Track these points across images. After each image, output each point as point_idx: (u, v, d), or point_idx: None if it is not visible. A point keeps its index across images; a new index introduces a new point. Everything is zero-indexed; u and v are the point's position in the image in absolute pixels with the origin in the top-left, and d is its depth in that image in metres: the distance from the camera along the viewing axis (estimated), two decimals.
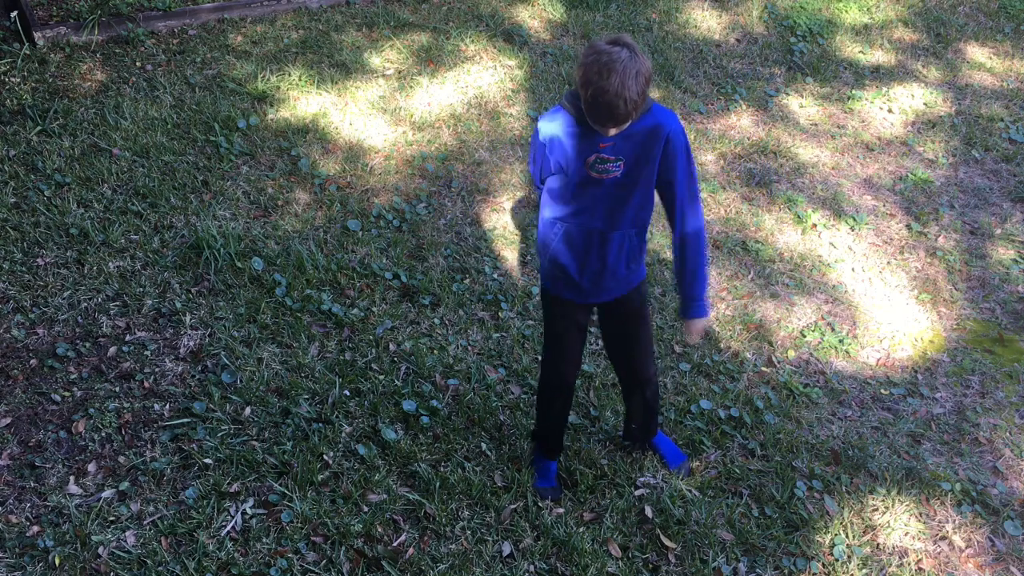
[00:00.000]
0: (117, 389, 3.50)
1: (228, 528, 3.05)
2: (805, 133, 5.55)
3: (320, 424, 3.43)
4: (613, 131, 2.54)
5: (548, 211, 2.81)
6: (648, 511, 3.26)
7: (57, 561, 2.90)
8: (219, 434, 3.35)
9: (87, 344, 3.66)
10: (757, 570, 3.12)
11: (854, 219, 4.89)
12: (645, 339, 3.07)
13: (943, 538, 3.32)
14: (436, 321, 3.98)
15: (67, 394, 3.46)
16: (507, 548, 3.08)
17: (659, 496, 3.31)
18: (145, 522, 3.05)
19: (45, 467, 3.20)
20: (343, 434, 3.41)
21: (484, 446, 3.43)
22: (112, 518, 3.05)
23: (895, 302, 4.43)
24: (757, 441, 3.60)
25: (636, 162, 2.63)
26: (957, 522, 3.37)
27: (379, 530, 3.09)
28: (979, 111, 5.90)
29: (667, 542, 3.16)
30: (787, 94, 5.86)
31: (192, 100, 5.04)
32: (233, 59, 5.43)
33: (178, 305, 3.86)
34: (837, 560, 3.18)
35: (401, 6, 6.16)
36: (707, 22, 6.44)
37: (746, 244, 4.64)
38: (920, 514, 3.38)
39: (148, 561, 2.92)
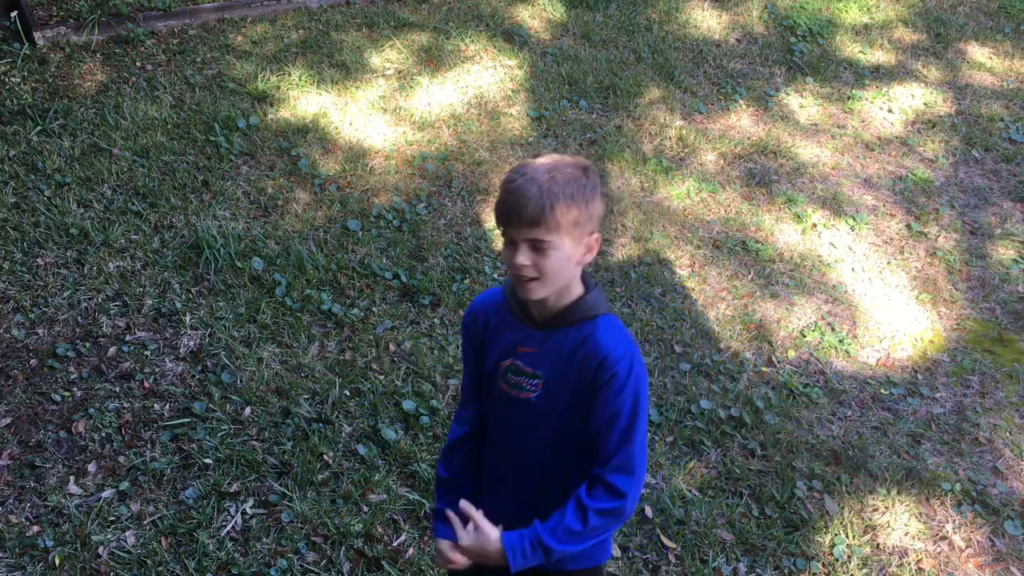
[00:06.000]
0: (117, 389, 3.50)
1: (228, 528, 3.05)
2: (805, 133, 5.55)
3: (320, 424, 3.43)
4: (531, 245, 1.74)
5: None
6: (648, 511, 3.26)
7: (57, 561, 2.90)
8: (219, 434, 3.35)
9: (87, 344, 3.66)
10: (757, 570, 3.12)
11: (854, 219, 4.89)
12: None
13: (943, 538, 3.32)
14: (436, 321, 3.98)
15: (67, 394, 3.45)
16: None
17: (659, 496, 3.31)
18: (145, 522, 3.05)
19: (45, 467, 3.20)
20: (343, 434, 3.41)
21: None
22: (112, 518, 3.05)
23: (895, 302, 4.43)
24: (757, 441, 3.60)
25: (559, 386, 1.85)
26: (957, 522, 3.37)
27: (379, 530, 3.09)
28: (979, 111, 5.90)
29: (667, 542, 3.16)
30: (787, 94, 5.86)
31: (192, 100, 5.04)
32: (233, 59, 5.43)
33: (178, 305, 3.86)
34: (837, 560, 3.18)
35: (401, 6, 6.16)
36: (707, 22, 6.44)
37: (746, 244, 4.64)
38: (920, 514, 3.38)
39: (148, 561, 2.92)
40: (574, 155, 1.79)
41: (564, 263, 1.77)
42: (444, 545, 1.94)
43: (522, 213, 1.71)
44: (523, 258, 1.74)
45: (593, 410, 1.81)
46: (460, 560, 1.91)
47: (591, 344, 1.80)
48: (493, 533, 1.85)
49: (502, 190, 1.76)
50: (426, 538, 3.09)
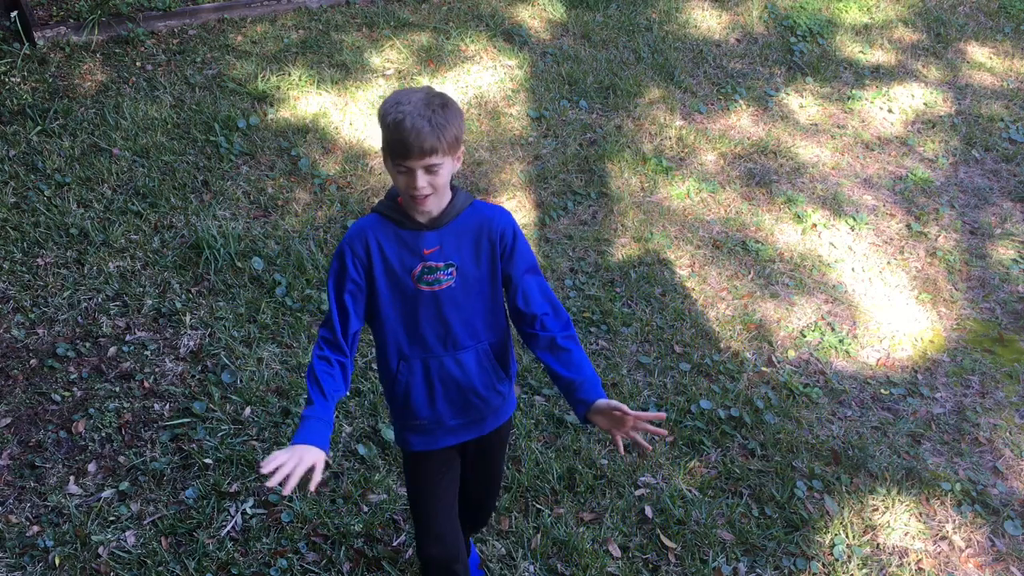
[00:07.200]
0: (117, 389, 3.50)
1: (228, 528, 3.05)
2: (805, 133, 5.55)
3: None
4: (426, 170, 2.04)
5: (382, 348, 2.32)
6: (648, 511, 3.26)
7: (57, 561, 2.90)
8: (219, 434, 3.35)
9: (87, 344, 3.66)
10: (757, 570, 3.12)
11: (854, 219, 4.89)
12: (497, 476, 2.63)
13: (943, 538, 3.32)
14: None
15: (67, 394, 3.45)
16: (507, 548, 3.08)
17: (659, 496, 3.31)
18: (145, 522, 3.05)
19: (45, 467, 3.20)
20: (343, 434, 3.41)
21: None
22: (112, 518, 3.05)
23: (895, 302, 4.43)
24: (757, 441, 3.60)
25: (469, 264, 2.21)
26: (957, 522, 3.37)
27: (379, 530, 3.09)
28: (979, 111, 5.90)
29: (667, 542, 3.16)
30: (787, 94, 5.86)
31: (192, 100, 5.04)
32: (233, 59, 5.43)
33: (178, 305, 3.86)
34: (837, 560, 3.18)
35: (401, 6, 6.16)
36: (707, 22, 6.44)
37: (746, 244, 4.64)
38: (920, 514, 3.38)
39: (148, 561, 2.92)
40: (432, 87, 2.14)
41: (448, 176, 2.12)
42: (310, 455, 2.02)
43: (423, 146, 2.01)
44: (423, 182, 2.07)
45: (511, 267, 2.23)
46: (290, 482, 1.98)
47: (487, 221, 2.21)
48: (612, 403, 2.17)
49: (393, 129, 2.03)
50: None
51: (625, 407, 2.10)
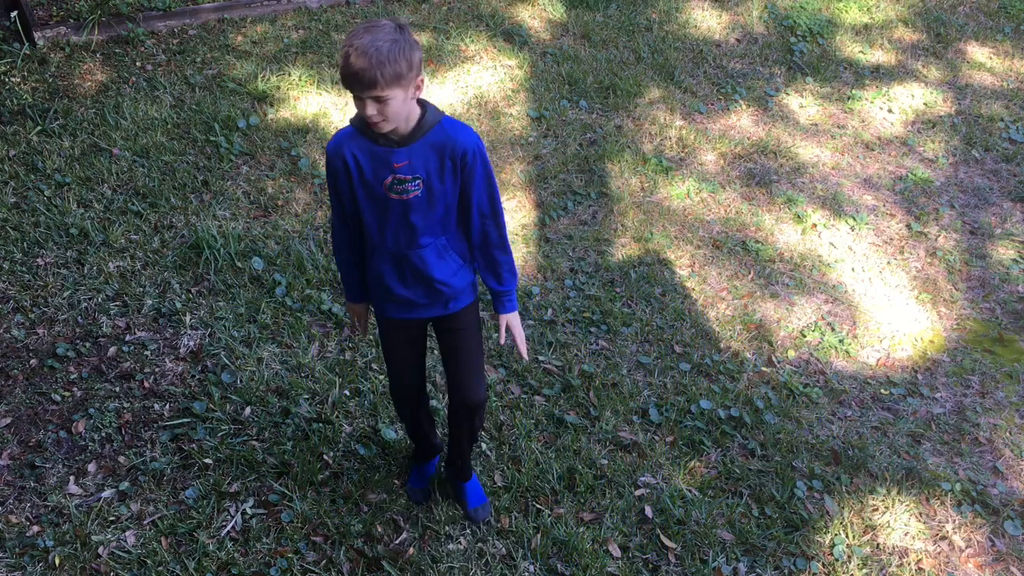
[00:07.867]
0: (117, 389, 3.50)
1: (228, 528, 3.05)
2: (805, 133, 5.55)
3: (320, 424, 3.43)
4: (374, 100, 2.27)
5: (363, 238, 2.66)
6: (648, 511, 3.26)
7: (57, 561, 2.90)
8: (219, 434, 3.35)
9: (87, 344, 3.66)
10: (757, 570, 3.12)
11: (854, 219, 4.89)
12: (475, 353, 2.83)
13: (943, 538, 3.32)
14: None
15: (67, 394, 3.46)
16: (507, 548, 3.08)
17: (659, 496, 3.31)
18: (145, 522, 3.05)
19: (45, 467, 3.20)
20: (343, 434, 3.41)
21: (484, 446, 3.43)
22: (112, 518, 3.05)
23: (895, 302, 4.43)
24: (757, 441, 3.60)
25: (435, 179, 2.48)
26: (957, 522, 3.37)
27: (379, 530, 3.09)
28: (979, 111, 5.90)
29: (667, 542, 3.17)
30: (787, 94, 5.86)
31: (192, 100, 5.04)
32: (233, 59, 5.43)
33: (178, 305, 3.86)
34: (837, 560, 3.18)
35: (401, 6, 6.16)
36: (707, 22, 6.44)
37: (746, 244, 4.64)
38: (920, 514, 3.38)
39: (148, 561, 2.92)
40: (391, 18, 2.33)
41: (400, 105, 2.31)
42: (356, 309, 2.86)
43: (362, 81, 2.22)
44: (372, 111, 2.29)
45: (470, 186, 2.51)
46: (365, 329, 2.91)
47: (451, 141, 2.44)
48: (514, 322, 2.80)
49: (343, 63, 2.24)
50: (426, 538, 3.09)
51: (501, 339, 2.77)
